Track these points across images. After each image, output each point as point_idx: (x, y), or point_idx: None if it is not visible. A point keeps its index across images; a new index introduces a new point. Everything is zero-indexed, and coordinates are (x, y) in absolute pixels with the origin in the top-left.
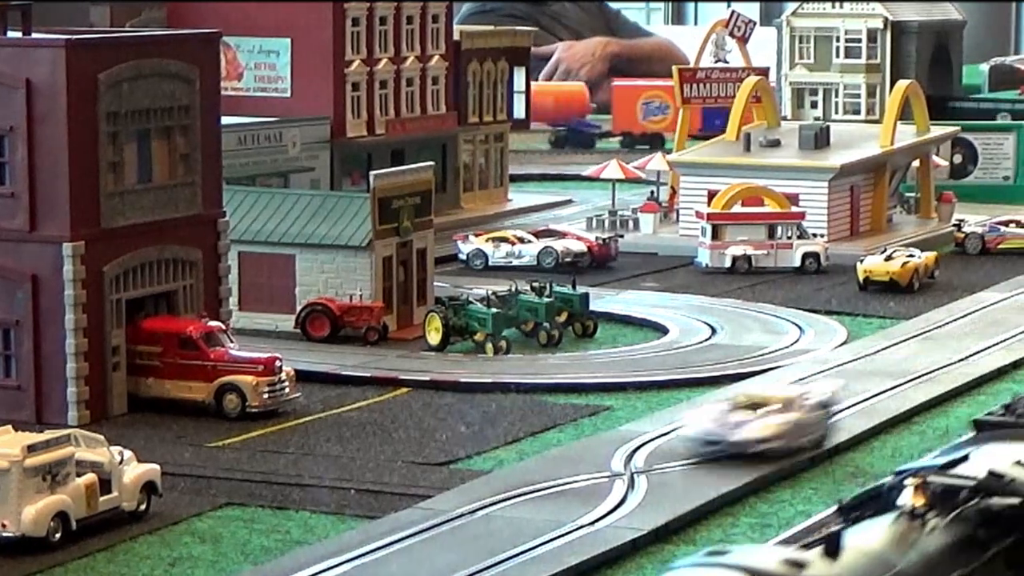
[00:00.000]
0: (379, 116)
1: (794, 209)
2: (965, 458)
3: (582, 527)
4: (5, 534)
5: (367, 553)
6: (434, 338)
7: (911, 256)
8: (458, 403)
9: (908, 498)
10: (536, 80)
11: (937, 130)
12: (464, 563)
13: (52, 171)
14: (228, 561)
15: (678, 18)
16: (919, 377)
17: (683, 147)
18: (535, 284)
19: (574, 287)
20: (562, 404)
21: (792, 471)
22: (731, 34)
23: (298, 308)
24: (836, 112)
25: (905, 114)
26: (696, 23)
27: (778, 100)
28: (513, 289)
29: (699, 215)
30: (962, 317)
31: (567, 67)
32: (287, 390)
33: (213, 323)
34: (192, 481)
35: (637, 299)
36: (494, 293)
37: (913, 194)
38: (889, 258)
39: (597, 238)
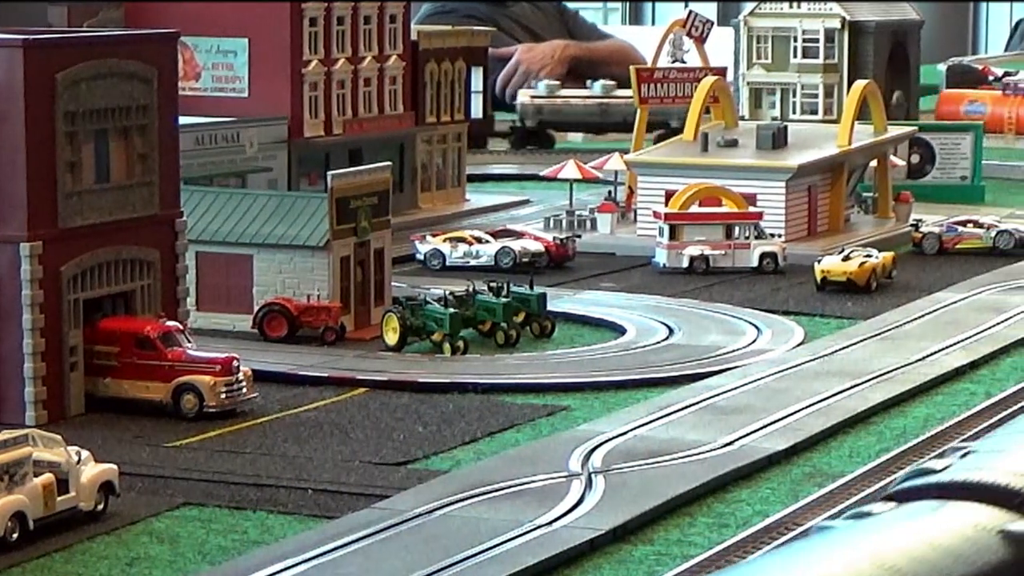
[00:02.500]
0: (337, 116)
1: (752, 209)
2: None
3: (540, 527)
4: None
5: (324, 553)
6: (391, 338)
7: (869, 256)
8: (415, 403)
9: None
10: (495, 82)
11: (895, 130)
12: (421, 563)
13: (9, 171)
14: (185, 561)
15: (636, 18)
16: (877, 377)
17: (640, 147)
18: (493, 284)
19: (531, 287)
20: (520, 404)
21: (749, 471)
22: (689, 34)
23: (256, 308)
24: (794, 112)
25: (863, 114)
26: (654, 23)
27: (736, 100)
28: (471, 289)
29: (656, 215)
30: (920, 317)
31: (526, 69)
32: (245, 390)
33: (171, 323)
34: (150, 481)
35: (595, 299)
36: (451, 293)
37: (870, 194)
38: (847, 258)
39: (555, 238)
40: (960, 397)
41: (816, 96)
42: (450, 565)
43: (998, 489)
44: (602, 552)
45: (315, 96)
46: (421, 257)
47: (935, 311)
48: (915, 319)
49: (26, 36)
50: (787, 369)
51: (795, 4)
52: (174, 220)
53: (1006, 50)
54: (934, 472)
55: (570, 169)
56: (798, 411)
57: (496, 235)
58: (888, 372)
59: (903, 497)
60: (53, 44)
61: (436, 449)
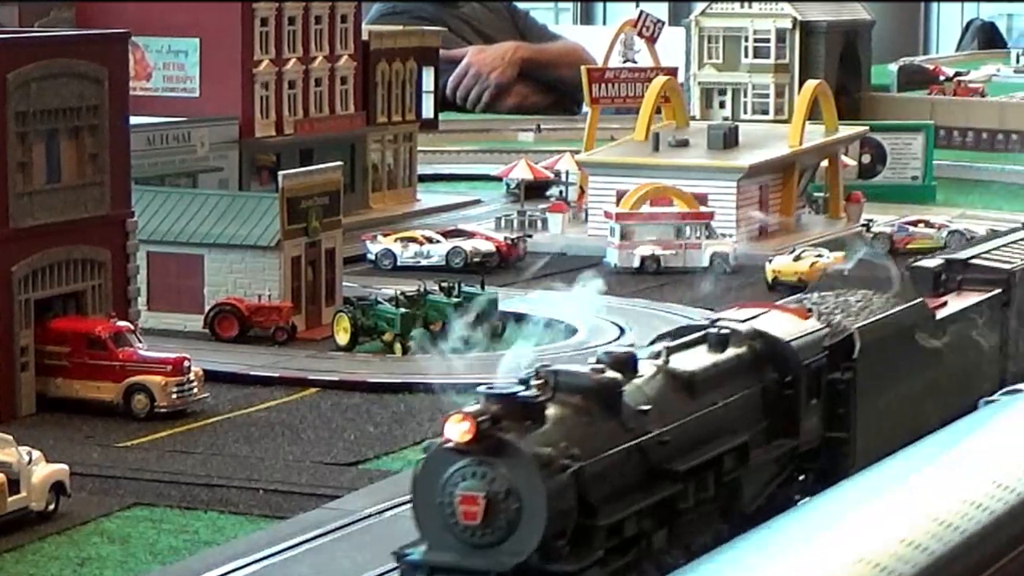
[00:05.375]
0: (288, 116)
1: (703, 209)
2: None
3: None
4: None
5: (275, 553)
6: (342, 338)
7: (819, 256)
8: (366, 403)
9: None
10: (446, 83)
11: (845, 130)
12: (372, 563)
13: None
14: (136, 561)
15: (587, 18)
16: None
17: (592, 147)
18: (444, 284)
19: (483, 287)
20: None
21: None
22: (640, 34)
23: (207, 308)
24: (745, 112)
25: (814, 114)
26: (605, 23)
27: (687, 100)
28: (422, 289)
29: (608, 215)
30: None
31: (477, 71)
32: (195, 390)
33: (122, 323)
34: (100, 481)
35: (546, 299)
36: (402, 293)
37: (822, 194)
38: (798, 258)
39: (506, 238)
40: None
41: (767, 96)
42: None
43: None
44: None
45: (266, 96)
46: (372, 257)
47: None
48: None
49: None
50: None
51: (746, 4)
52: (125, 220)
53: (957, 50)
54: None
55: (521, 169)
56: None
57: (447, 235)
58: None
59: None
60: (3, 44)
61: (387, 449)
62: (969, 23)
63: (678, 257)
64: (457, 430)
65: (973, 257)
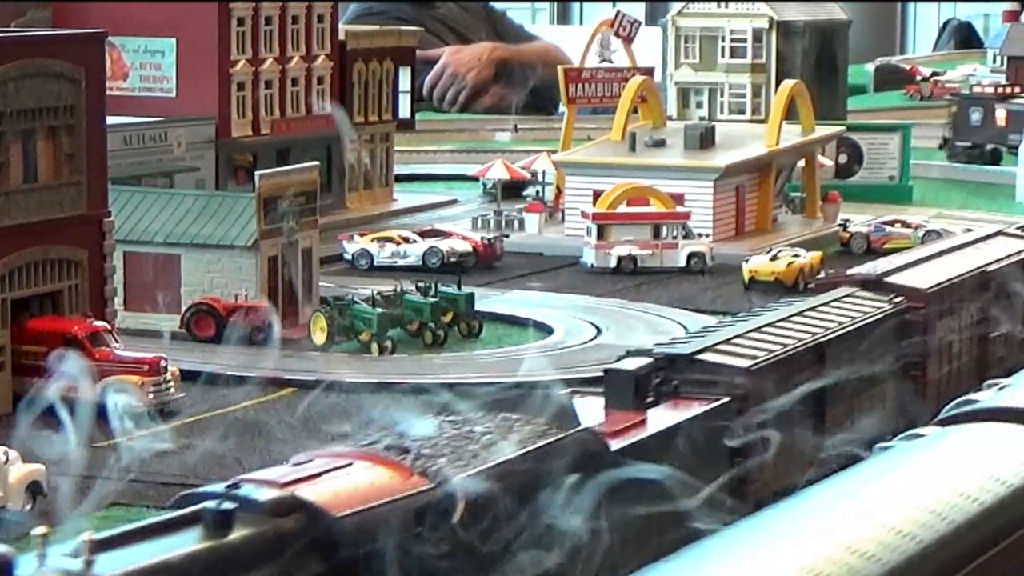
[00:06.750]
0: (264, 116)
1: (679, 209)
2: None
3: None
4: None
5: None
6: (319, 338)
7: (796, 256)
8: (343, 403)
9: None
10: (423, 84)
11: (822, 130)
12: None
13: None
14: None
15: (563, 18)
16: None
17: (569, 147)
18: (420, 284)
19: (459, 287)
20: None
21: None
22: (616, 34)
23: (183, 308)
24: (721, 112)
25: (790, 114)
26: (582, 23)
27: (663, 100)
28: (398, 289)
29: (584, 215)
30: None
31: (454, 71)
32: (172, 390)
33: (98, 323)
34: (78, 481)
35: (523, 299)
36: (379, 293)
37: (798, 194)
38: (774, 258)
39: (482, 238)
40: None
41: (744, 96)
42: None
43: None
44: None
45: (242, 96)
46: (349, 257)
47: None
48: None
49: None
50: None
51: (723, 4)
52: (102, 220)
53: (934, 50)
54: (976, 402)
55: (498, 169)
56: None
57: (424, 235)
58: None
59: (950, 422)
60: None
61: None
62: (946, 23)
63: (655, 257)
64: None
65: (702, 351)
